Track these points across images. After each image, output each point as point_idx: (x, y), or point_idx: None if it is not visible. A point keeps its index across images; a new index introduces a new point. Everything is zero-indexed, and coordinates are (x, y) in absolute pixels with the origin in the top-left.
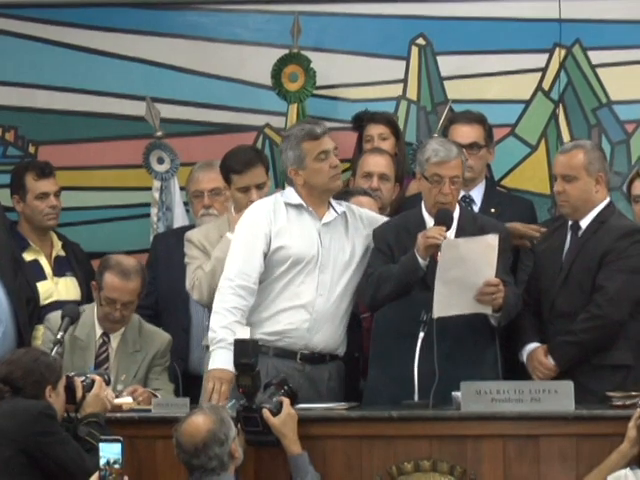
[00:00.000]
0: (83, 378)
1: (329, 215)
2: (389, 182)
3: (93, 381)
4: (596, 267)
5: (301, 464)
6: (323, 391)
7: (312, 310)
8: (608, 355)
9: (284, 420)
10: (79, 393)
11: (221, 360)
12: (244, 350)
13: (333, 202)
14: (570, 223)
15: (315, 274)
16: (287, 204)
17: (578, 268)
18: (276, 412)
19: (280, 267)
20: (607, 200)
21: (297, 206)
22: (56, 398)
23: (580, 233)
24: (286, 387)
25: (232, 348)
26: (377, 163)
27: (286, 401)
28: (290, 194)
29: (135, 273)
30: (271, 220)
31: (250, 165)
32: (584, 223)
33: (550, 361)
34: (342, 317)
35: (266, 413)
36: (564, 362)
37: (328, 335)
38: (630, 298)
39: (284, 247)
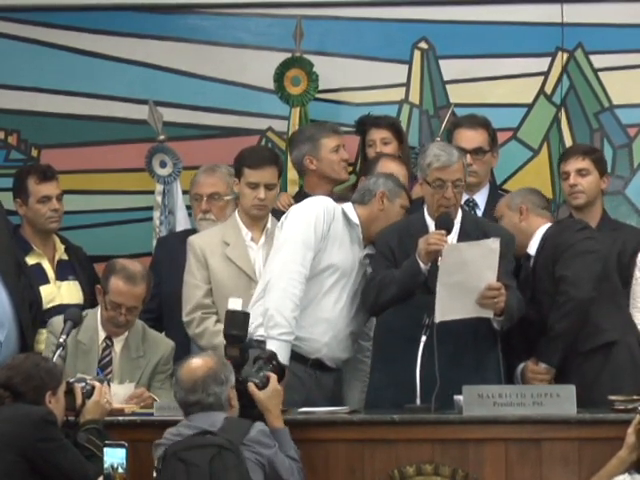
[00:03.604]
0: (83, 384)
1: (370, 249)
2: None
3: (93, 387)
4: (552, 266)
5: (284, 438)
6: (329, 395)
7: (334, 328)
8: (593, 339)
9: (270, 395)
10: (79, 399)
11: (286, 356)
12: (235, 321)
13: None
14: (523, 259)
15: (345, 294)
16: (345, 216)
17: (538, 277)
18: (262, 387)
19: (323, 272)
20: (546, 226)
21: (352, 225)
22: (56, 404)
23: (532, 260)
24: (274, 362)
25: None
26: (397, 173)
27: (273, 376)
28: (350, 211)
29: (141, 278)
30: (331, 220)
31: (265, 163)
32: (532, 250)
33: (541, 366)
34: (353, 341)
35: (251, 387)
36: (552, 359)
37: (339, 353)
38: (590, 276)
39: (333, 255)
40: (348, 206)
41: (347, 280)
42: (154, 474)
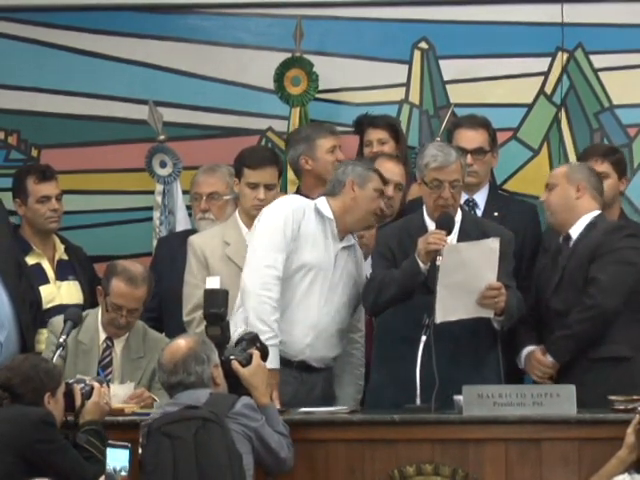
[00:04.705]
0: (82, 385)
1: (347, 240)
2: (401, 192)
3: (92, 388)
4: (587, 263)
5: (272, 414)
6: (318, 395)
7: (316, 328)
8: (607, 348)
9: (254, 371)
10: (78, 401)
11: (275, 359)
12: (214, 300)
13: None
14: (562, 237)
15: (325, 291)
16: (318, 212)
17: (571, 268)
18: (245, 364)
19: (296, 272)
20: (597, 212)
21: (325, 219)
22: (55, 405)
23: (572, 242)
24: (258, 344)
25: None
26: (393, 171)
27: (256, 353)
28: (323, 205)
29: (142, 280)
30: (300, 219)
31: (264, 163)
32: (575, 232)
33: (548, 358)
34: (341, 337)
35: (235, 364)
36: (562, 357)
37: (325, 352)
38: (623, 288)
39: (304, 254)
40: (321, 200)
41: (324, 277)
42: (139, 450)
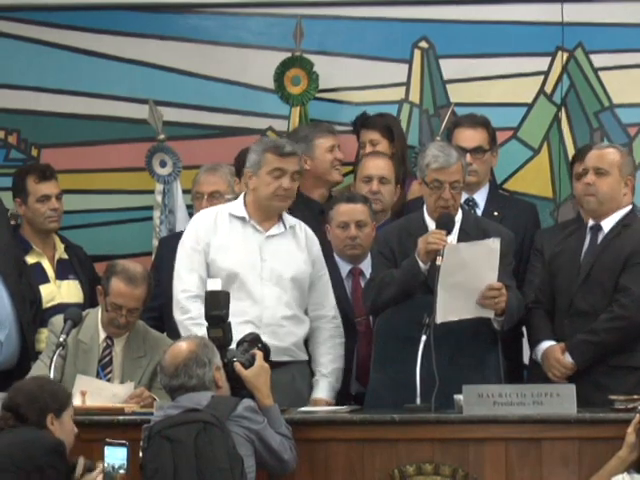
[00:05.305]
0: (90, 462)
1: (276, 228)
2: (389, 184)
3: (95, 467)
4: (620, 268)
5: (275, 415)
6: (289, 394)
7: (260, 324)
8: (627, 356)
9: (257, 372)
10: (80, 471)
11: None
12: (215, 302)
13: (285, 215)
14: (590, 225)
15: (258, 287)
16: (231, 215)
17: (599, 268)
18: (248, 365)
19: (230, 281)
20: (631, 206)
21: (241, 218)
22: (59, 427)
23: (601, 235)
24: (260, 344)
25: None
26: (376, 166)
27: (259, 354)
28: (237, 205)
29: (142, 280)
30: (211, 232)
31: None
32: (606, 225)
33: (568, 359)
34: (294, 323)
35: (238, 366)
36: (583, 361)
37: (278, 343)
38: None
39: (221, 261)
40: (238, 200)
41: (252, 274)
42: (140, 454)
